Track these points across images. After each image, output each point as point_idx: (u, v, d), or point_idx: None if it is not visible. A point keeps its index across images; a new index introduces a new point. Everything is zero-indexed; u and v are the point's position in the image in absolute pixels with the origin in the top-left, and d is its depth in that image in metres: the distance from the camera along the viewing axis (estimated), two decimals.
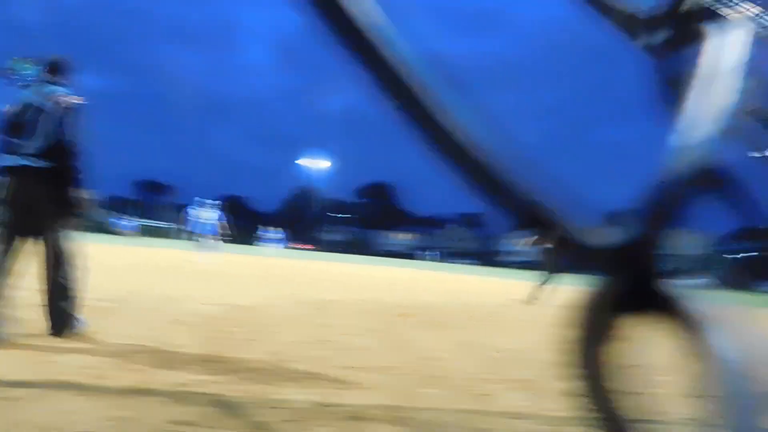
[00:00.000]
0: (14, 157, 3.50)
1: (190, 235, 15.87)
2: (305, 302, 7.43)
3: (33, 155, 3.49)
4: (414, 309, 7.64)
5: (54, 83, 3.74)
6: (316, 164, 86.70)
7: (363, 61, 0.43)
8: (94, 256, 15.56)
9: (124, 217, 34.34)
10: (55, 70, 3.80)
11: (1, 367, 2.89)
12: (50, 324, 3.63)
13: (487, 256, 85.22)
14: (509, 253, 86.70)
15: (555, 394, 3.25)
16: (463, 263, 71.84)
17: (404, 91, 0.41)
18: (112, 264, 12.58)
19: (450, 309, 8.17)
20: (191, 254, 15.87)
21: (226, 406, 2.59)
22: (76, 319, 3.73)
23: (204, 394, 2.75)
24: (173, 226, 60.65)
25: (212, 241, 15.62)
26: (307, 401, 2.77)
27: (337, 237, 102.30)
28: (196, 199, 15.57)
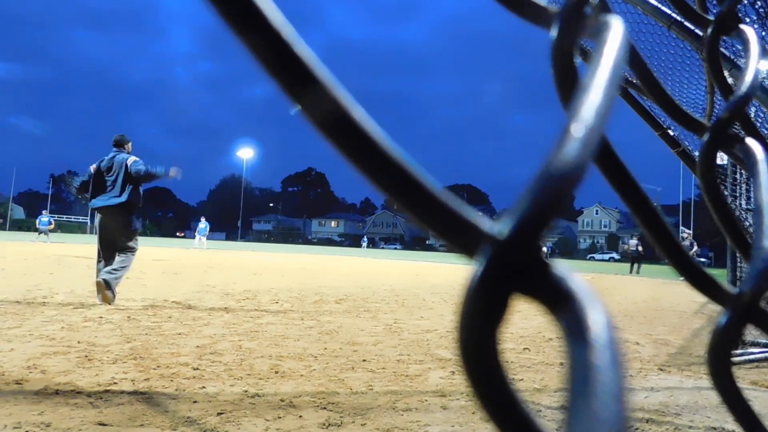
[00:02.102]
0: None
1: None
2: (233, 294, 7.33)
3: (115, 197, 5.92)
4: (341, 296, 7.71)
5: (120, 152, 6.10)
6: (243, 154, 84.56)
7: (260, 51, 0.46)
8: (8, 253, 14.52)
9: (42, 213, 32.14)
10: (120, 144, 6.17)
11: None
12: None
13: (414, 241, 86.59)
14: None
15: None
16: (391, 249, 72.65)
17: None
18: (25, 262, 11.84)
19: (377, 294, 8.29)
20: None
21: (154, 403, 2.56)
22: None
23: (131, 392, 2.70)
24: (89, 220, 57.54)
25: None
26: (236, 393, 2.78)
27: (266, 227, 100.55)
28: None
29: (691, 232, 23.86)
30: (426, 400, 2.83)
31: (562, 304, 0.23)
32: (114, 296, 5.62)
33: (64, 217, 60.85)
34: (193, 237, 30.90)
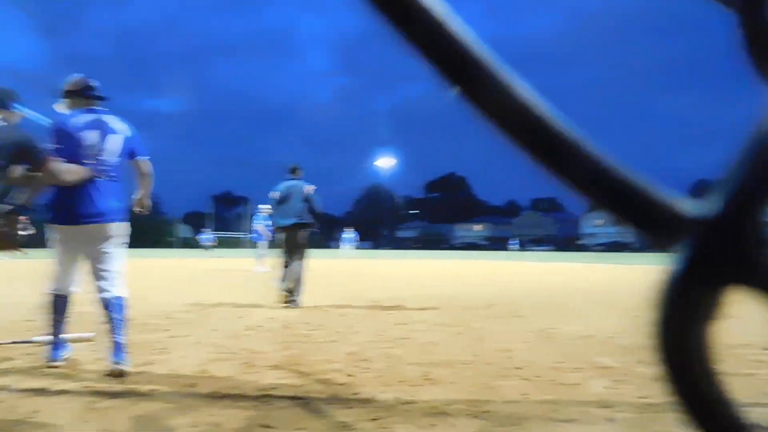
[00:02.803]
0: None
1: (257, 243, 16.29)
2: (380, 302, 7.55)
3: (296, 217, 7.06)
4: (489, 301, 7.59)
5: (296, 179, 7.30)
6: (383, 163, 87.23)
7: (424, 47, 0.45)
8: (175, 269, 16.35)
9: (204, 231, 36.26)
10: (295, 171, 7.34)
11: (91, 380, 3.15)
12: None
13: (566, 242, 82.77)
14: (590, 235, 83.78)
15: (641, 381, 3.18)
16: (541, 251, 70.12)
17: (471, 74, 0.43)
18: (191, 276, 13.26)
19: (527, 299, 8.04)
20: (254, 262, 16.36)
21: (311, 407, 2.71)
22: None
23: (290, 397, 2.89)
24: (246, 235, 62.98)
25: (266, 247, 15.94)
26: (388, 399, 2.85)
27: (410, 233, 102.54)
28: (260, 207, 15.94)
29: None
30: (588, 411, 2.67)
31: None
32: (298, 304, 6.85)
33: (224, 234, 67.34)
34: (342, 246, 32.43)
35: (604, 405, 2.76)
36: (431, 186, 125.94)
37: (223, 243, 56.63)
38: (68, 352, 3.57)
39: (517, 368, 3.56)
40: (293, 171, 7.40)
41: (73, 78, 3.63)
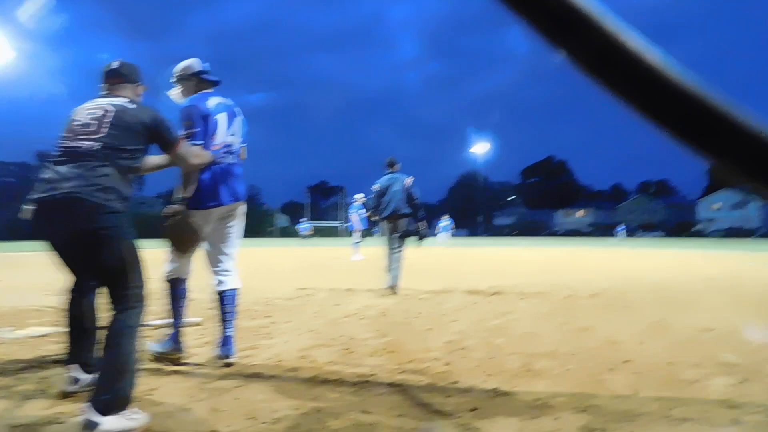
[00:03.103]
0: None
1: (353, 232, 16.64)
2: (478, 290, 7.46)
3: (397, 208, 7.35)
4: (595, 290, 7.27)
5: (395, 172, 7.57)
6: (478, 149, 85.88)
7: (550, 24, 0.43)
8: (275, 257, 17.05)
9: (301, 221, 37.79)
10: (392, 165, 7.62)
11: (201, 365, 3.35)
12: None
13: (678, 228, 77.54)
14: (707, 221, 78.01)
15: None
16: (651, 237, 66.20)
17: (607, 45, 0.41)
18: (290, 264, 13.77)
19: (636, 288, 7.61)
20: (350, 251, 16.70)
21: (409, 395, 2.73)
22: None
23: (388, 384, 2.92)
24: (342, 224, 64.56)
25: (361, 236, 16.29)
26: (488, 390, 2.80)
27: (507, 221, 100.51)
28: (354, 197, 16.27)
29: None
30: (709, 411, 2.48)
31: None
32: (396, 291, 7.19)
33: (320, 223, 69.44)
34: (436, 236, 32.38)
35: (729, 405, 2.55)
36: (529, 171, 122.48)
37: (319, 232, 58.47)
38: (171, 346, 3.37)
39: (627, 361, 3.37)
40: (391, 165, 7.76)
41: (187, 62, 3.56)
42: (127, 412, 2.21)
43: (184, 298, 3.44)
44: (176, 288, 3.41)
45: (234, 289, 3.44)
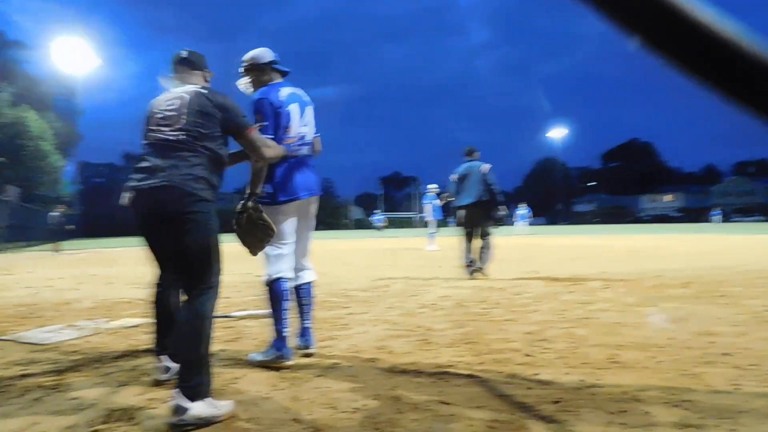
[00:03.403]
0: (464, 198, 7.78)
1: (428, 223, 16.62)
2: (559, 279, 7.26)
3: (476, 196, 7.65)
4: (687, 279, 6.88)
5: (474, 160, 7.90)
6: (555, 133, 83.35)
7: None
8: (350, 249, 17.30)
9: (375, 212, 38.24)
10: (472, 153, 7.94)
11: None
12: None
13: None
14: None
15: None
16: (749, 221, 61.93)
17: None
18: (365, 256, 13.92)
19: (734, 277, 7.14)
20: (425, 241, 16.64)
21: (489, 387, 2.69)
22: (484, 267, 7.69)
23: (467, 375, 2.90)
24: (416, 215, 64.66)
25: (436, 226, 16.23)
26: (571, 382, 2.72)
27: (587, 207, 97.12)
28: (428, 187, 16.25)
29: None
30: None
31: None
32: (485, 274, 7.68)
33: (394, 214, 69.85)
34: (513, 224, 31.79)
35: None
36: (609, 155, 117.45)
37: (393, 223, 58.86)
38: (274, 354, 3.16)
39: (725, 354, 3.17)
40: (470, 153, 7.99)
41: (257, 51, 3.44)
42: (212, 399, 2.32)
43: (286, 300, 3.23)
44: (278, 290, 3.22)
45: (310, 282, 3.48)
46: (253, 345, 3.68)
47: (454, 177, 7.98)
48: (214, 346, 3.59)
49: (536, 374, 2.88)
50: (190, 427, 2.22)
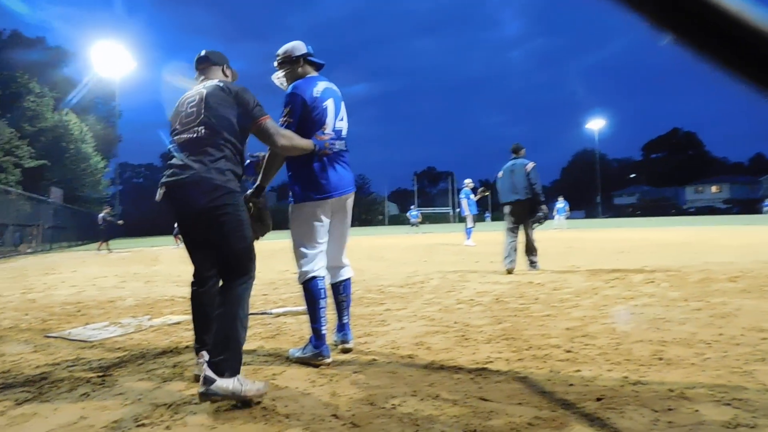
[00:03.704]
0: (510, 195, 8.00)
1: (465, 218, 16.52)
2: (599, 274, 7.12)
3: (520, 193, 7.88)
4: (735, 273, 6.68)
5: (518, 158, 8.08)
6: (594, 125, 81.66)
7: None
8: (385, 245, 17.30)
9: (411, 208, 38.40)
10: (518, 150, 8.14)
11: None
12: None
13: None
14: None
15: None
16: None
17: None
18: (401, 252, 13.92)
19: None
20: (461, 237, 16.54)
21: (529, 383, 2.66)
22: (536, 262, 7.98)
23: (506, 371, 2.87)
24: (451, 210, 64.29)
25: (473, 221, 16.11)
26: (615, 379, 2.67)
27: (628, 200, 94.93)
28: (464, 182, 16.15)
29: None
30: None
31: None
32: (537, 268, 7.96)
33: (429, 210, 69.65)
34: (552, 218, 31.34)
35: None
36: (651, 146, 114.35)
37: (428, 218, 58.70)
38: (311, 351, 3.15)
39: None
40: (516, 150, 8.27)
41: (291, 44, 3.39)
42: (241, 377, 2.44)
43: (323, 299, 3.20)
44: (313, 290, 3.19)
45: (348, 279, 3.47)
46: (291, 342, 3.73)
47: (499, 175, 8.25)
48: (253, 343, 3.66)
49: (578, 371, 2.83)
50: (216, 398, 2.37)
